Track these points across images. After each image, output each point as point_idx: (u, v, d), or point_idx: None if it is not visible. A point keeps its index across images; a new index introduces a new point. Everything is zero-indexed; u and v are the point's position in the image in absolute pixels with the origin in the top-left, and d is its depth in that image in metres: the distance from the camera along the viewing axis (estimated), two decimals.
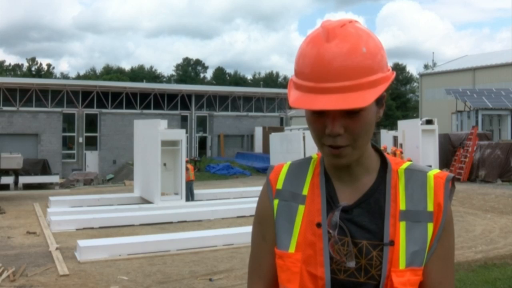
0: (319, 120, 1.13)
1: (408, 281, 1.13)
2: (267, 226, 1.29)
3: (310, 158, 1.32)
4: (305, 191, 1.25)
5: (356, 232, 1.18)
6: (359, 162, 1.21)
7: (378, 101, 1.18)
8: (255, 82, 74.85)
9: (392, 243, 1.15)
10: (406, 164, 1.24)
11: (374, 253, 1.17)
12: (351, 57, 1.07)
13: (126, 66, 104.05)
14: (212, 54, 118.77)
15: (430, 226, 1.16)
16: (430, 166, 21.29)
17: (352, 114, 1.11)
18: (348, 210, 1.20)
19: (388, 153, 19.87)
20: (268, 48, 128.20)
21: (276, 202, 1.28)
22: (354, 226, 1.18)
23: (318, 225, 1.20)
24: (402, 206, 1.18)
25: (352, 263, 1.17)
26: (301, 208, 1.24)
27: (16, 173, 22.64)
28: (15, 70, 76.56)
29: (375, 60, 1.10)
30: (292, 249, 1.22)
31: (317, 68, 1.08)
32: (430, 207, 1.17)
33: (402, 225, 1.16)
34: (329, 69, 1.07)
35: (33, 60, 75.81)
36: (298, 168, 1.31)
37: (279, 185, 1.29)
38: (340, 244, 1.18)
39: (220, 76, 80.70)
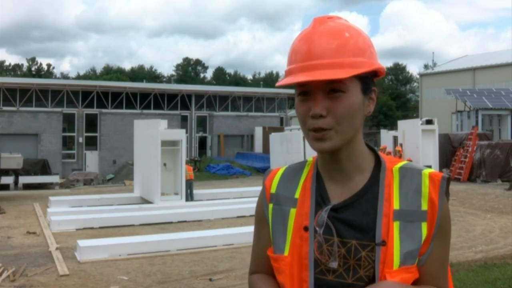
0: (304, 104, 1.17)
1: (401, 280, 1.12)
2: (261, 227, 1.33)
3: (305, 161, 1.33)
4: (297, 194, 1.26)
5: (345, 231, 1.17)
6: (350, 159, 1.21)
7: (365, 91, 1.19)
8: (255, 82, 74.79)
9: (384, 243, 1.13)
10: (401, 163, 1.23)
11: (363, 253, 1.15)
12: (334, 38, 1.14)
13: (129, 66, 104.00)
14: (216, 53, 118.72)
15: (424, 226, 1.15)
16: (430, 166, 21.27)
17: (334, 95, 1.14)
18: (338, 209, 1.19)
19: (387, 153, 19.76)
20: (272, 48, 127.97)
21: (270, 206, 1.30)
22: (344, 226, 1.17)
23: (306, 228, 1.21)
24: (396, 205, 1.16)
25: (335, 263, 1.16)
26: (293, 212, 1.24)
27: (16, 173, 22.55)
28: (15, 70, 76.53)
29: (361, 47, 1.16)
30: (286, 252, 1.23)
31: (302, 51, 1.15)
32: (424, 206, 1.16)
33: (396, 225, 1.15)
34: (312, 49, 1.13)
35: (33, 60, 75.80)
36: (293, 171, 1.32)
37: (273, 189, 1.31)
38: (328, 245, 1.17)
39: (220, 76, 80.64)
